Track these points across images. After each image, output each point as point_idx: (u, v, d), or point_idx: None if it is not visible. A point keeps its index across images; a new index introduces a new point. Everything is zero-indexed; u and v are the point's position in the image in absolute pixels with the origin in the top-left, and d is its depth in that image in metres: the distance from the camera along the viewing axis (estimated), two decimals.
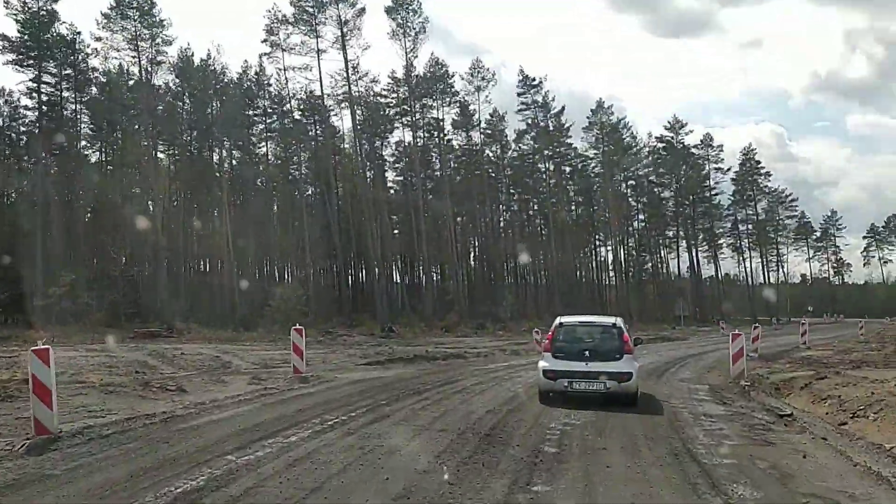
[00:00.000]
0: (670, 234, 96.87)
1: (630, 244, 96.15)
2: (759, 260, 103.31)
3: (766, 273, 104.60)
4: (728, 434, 9.89)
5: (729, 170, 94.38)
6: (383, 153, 79.77)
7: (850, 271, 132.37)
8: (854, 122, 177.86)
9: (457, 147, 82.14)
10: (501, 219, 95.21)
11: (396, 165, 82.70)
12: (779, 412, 11.83)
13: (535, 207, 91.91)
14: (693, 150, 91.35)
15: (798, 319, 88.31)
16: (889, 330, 30.55)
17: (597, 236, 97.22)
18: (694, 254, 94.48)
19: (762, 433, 10.10)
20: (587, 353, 12.57)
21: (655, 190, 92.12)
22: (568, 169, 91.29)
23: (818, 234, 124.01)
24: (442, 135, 76.38)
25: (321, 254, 68.71)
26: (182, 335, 42.74)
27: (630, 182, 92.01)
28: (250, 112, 68.42)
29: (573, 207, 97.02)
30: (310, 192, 75.39)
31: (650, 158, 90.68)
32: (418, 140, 74.47)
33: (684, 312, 52.56)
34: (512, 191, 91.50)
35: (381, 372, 19.59)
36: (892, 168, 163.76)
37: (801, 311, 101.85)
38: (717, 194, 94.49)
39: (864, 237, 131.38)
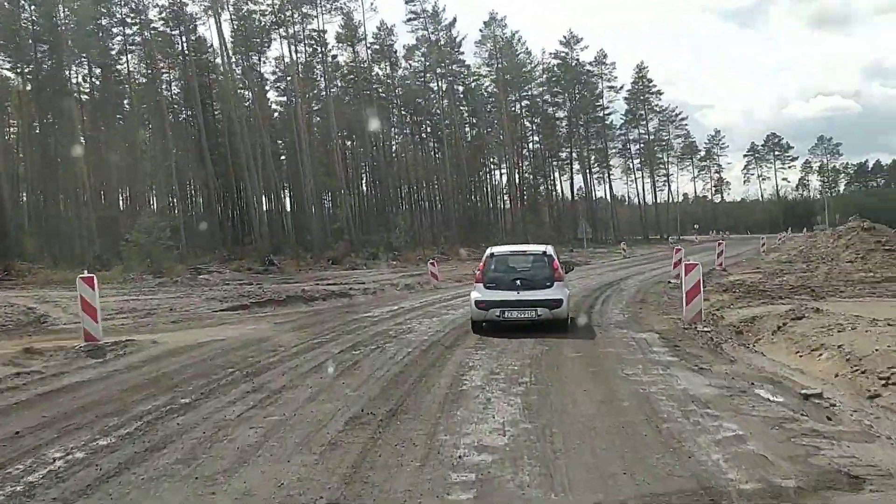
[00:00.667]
0: (563, 155, 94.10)
1: (524, 167, 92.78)
2: (648, 180, 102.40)
3: (654, 193, 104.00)
4: (764, 454, 5.53)
5: (622, 88, 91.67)
6: (261, 70, 72.17)
7: (730, 189, 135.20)
8: (733, 45, 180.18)
9: (343, 64, 75.53)
10: (394, 142, 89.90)
11: (278, 85, 75.29)
12: (800, 390, 7.68)
13: (428, 130, 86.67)
14: (588, 68, 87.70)
15: (690, 238, 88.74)
16: (814, 247, 27.66)
17: (491, 159, 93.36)
18: (587, 175, 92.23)
19: (807, 437, 5.91)
20: (518, 282, 12.54)
21: (549, 110, 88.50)
22: (461, 88, 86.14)
23: (702, 153, 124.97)
24: (325, 50, 69.44)
25: (197, 184, 61.68)
26: (21, 277, 36.12)
27: (524, 102, 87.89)
28: (104, 21, 59.25)
29: (467, 129, 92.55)
30: (184, 115, 67.58)
31: (545, 77, 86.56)
32: (299, 55, 67.31)
33: (587, 235, 49.62)
34: (403, 112, 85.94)
35: (233, 329, 14.56)
36: (766, 89, 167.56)
37: (687, 229, 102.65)
38: (609, 114, 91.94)
39: (745, 155, 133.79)
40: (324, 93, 70.81)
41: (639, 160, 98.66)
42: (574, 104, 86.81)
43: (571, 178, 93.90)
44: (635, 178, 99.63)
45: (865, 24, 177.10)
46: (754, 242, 53.93)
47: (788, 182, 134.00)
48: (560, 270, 12.82)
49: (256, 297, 22.76)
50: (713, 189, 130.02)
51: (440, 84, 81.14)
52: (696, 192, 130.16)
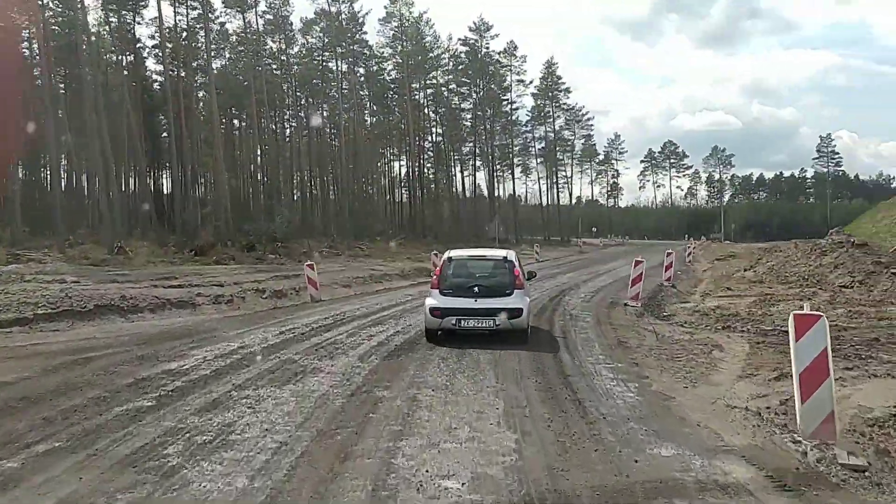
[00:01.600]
0: (466, 150, 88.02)
1: (425, 159, 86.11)
2: (547, 181, 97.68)
3: (557, 194, 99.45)
4: None
5: (531, 83, 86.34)
6: (136, 32, 62.29)
7: (622, 195, 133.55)
8: (626, 55, 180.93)
9: (232, 33, 66.57)
10: (287, 125, 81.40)
11: (157, 52, 65.38)
12: None
13: (326, 114, 78.57)
14: (497, 59, 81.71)
15: (593, 242, 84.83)
16: (787, 263, 22.07)
17: (391, 150, 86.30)
18: (492, 172, 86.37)
19: None
20: (476, 288, 11.36)
21: (454, 100, 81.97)
22: (361, 71, 78.57)
23: (601, 157, 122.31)
24: (210, 13, 60.28)
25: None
26: None
27: (429, 91, 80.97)
28: None
29: (367, 116, 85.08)
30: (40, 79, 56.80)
31: (451, 65, 79.98)
32: (180, 18, 57.98)
33: (499, 234, 43.50)
34: (299, 93, 77.64)
35: None
36: (656, 100, 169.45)
37: (584, 232, 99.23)
38: (516, 109, 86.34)
39: (642, 161, 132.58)
40: (209, 63, 61.50)
41: (541, 158, 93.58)
42: (481, 96, 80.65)
43: (474, 174, 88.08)
44: (538, 178, 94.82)
45: (748, 45, 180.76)
46: (661, 248, 49.12)
47: (682, 190, 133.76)
48: (521, 278, 11.70)
49: (50, 306, 15.03)
50: (608, 193, 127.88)
51: (339, 65, 73.34)
52: (592, 195, 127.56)
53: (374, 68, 78.05)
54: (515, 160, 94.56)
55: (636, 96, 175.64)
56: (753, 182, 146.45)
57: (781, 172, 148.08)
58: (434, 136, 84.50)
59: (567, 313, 16.18)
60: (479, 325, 11.03)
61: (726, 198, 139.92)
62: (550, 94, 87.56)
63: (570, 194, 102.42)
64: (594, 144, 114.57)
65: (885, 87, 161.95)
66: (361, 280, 25.45)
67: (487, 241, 60.01)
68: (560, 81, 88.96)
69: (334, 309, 17.01)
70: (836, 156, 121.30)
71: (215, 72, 62.78)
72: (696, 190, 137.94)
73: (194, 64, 63.52)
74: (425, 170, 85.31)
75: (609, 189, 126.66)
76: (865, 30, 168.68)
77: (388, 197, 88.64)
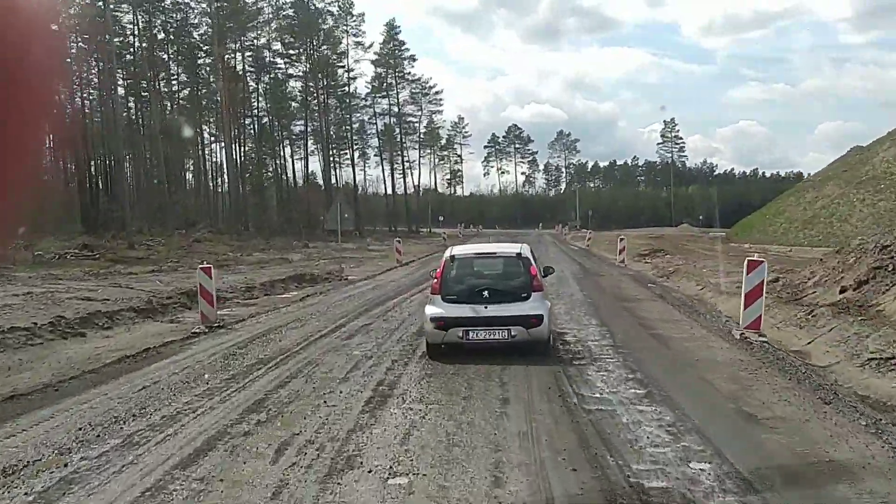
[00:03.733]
0: (298, 130, 72.45)
1: (245, 139, 69.83)
2: (391, 165, 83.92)
3: (404, 181, 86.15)
4: None
5: (370, 47, 71.96)
6: None
7: (464, 183, 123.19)
8: (456, 47, 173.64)
9: None
10: (79, 97, 61.86)
11: None
12: None
13: (123, 80, 60.38)
14: (329, 15, 66.63)
15: (440, 231, 72.76)
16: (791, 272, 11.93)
17: (207, 128, 69.01)
18: (325, 153, 71.30)
19: None
20: (486, 293, 9.05)
21: (280, 67, 66.21)
22: (162, 30, 61.15)
23: (444, 141, 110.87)
24: None
25: None
26: None
27: (248, 54, 64.72)
28: None
29: (175, 86, 67.50)
30: None
31: (275, 23, 64.03)
32: None
33: (341, 225, 29.33)
34: (83, 45, 58.67)
35: None
36: (485, 92, 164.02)
37: (432, 220, 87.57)
38: (354, 78, 71.53)
39: (486, 146, 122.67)
40: None
41: (384, 138, 79.67)
42: (312, 61, 65.37)
43: (306, 158, 72.70)
44: (380, 161, 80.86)
45: (571, 42, 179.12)
46: (532, 238, 42.35)
47: (525, 176, 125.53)
48: (539, 278, 9.28)
49: None
50: (449, 181, 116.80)
51: (137, 18, 55.70)
52: (434, 183, 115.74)
53: (177, 23, 60.87)
54: (354, 142, 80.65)
55: (468, 87, 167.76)
56: (589, 170, 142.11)
57: (615, 160, 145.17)
58: (257, 111, 68.39)
59: None
60: (491, 336, 8.74)
61: (563, 186, 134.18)
62: (393, 61, 73.56)
63: (416, 181, 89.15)
64: (439, 127, 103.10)
65: (692, 85, 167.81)
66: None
67: (322, 235, 46.02)
68: (404, 48, 75.42)
69: None
70: (680, 141, 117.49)
71: None
72: (534, 178, 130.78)
73: None
74: (250, 154, 69.35)
75: (451, 176, 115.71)
76: (675, 30, 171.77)
77: (207, 186, 71.29)
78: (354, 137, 78.87)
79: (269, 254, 34.11)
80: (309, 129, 71.25)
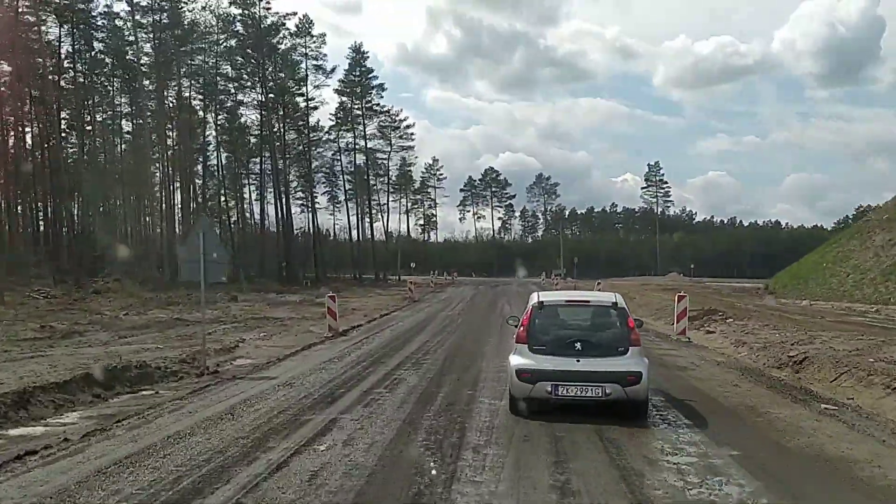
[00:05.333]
0: (255, 166, 62.78)
1: (205, 179, 60.26)
2: (359, 208, 74.11)
3: (371, 224, 76.72)
4: None
5: (333, 71, 62.74)
6: None
7: (438, 229, 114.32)
8: (432, 96, 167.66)
9: None
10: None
11: None
12: None
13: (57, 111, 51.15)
14: (285, 35, 57.44)
15: (408, 278, 62.82)
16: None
17: (160, 166, 59.00)
18: (284, 195, 61.31)
19: None
20: (578, 344, 8.02)
21: (231, 93, 56.62)
22: (100, 47, 52.17)
23: (417, 184, 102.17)
24: None
25: None
26: None
27: (197, 79, 55.40)
28: None
29: (117, 118, 58.18)
30: None
31: (225, 43, 54.85)
32: None
33: (212, 274, 21.28)
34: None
35: None
36: (459, 140, 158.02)
37: (402, 269, 78.31)
38: (315, 107, 61.97)
39: (462, 190, 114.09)
40: None
41: (349, 178, 70.17)
42: (268, 87, 56.17)
43: (262, 198, 62.70)
44: (345, 203, 71.19)
45: (545, 92, 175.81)
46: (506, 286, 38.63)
47: (502, 222, 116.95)
48: (637, 330, 8.21)
49: None
50: (423, 227, 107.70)
51: (61, 29, 46.53)
52: (407, 228, 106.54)
53: (119, 44, 51.77)
54: (320, 181, 71.41)
55: (442, 135, 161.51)
56: (566, 216, 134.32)
57: (592, 207, 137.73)
58: (212, 146, 58.76)
59: None
60: (583, 394, 7.71)
61: (539, 232, 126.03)
62: (359, 90, 64.38)
63: (386, 225, 79.20)
64: (411, 165, 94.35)
65: (663, 136, 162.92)
66: None
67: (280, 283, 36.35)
68: (371, 76, 66.50)
69: None
70: (665, 185, 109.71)
71: None
72: (511, 224, 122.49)
73: None
74: (207, 193, 59.77)
75: (424, 221, 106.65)
76: (646, 82, 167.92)
77: (160, 233, 60.51)
78: (319, 175, 69.71)
79: (174, 311, 24.49)
80: (266, 167, 61.74)
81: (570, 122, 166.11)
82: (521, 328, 8.33)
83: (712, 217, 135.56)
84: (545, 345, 8.10)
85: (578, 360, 7.78)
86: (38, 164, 49.68)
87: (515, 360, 8.07)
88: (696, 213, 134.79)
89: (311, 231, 64.86)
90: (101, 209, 52.86)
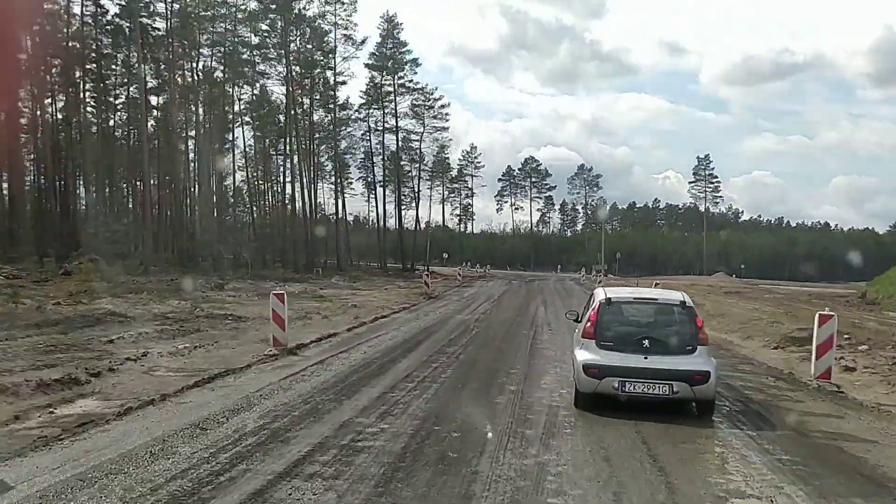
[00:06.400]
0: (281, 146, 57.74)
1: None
2: (394, 192, 68.54)
3: (399, 212, 71.31)
4: None
5: (364, 42, 56.63)
6: None
7: (474, 219, 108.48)
8: (475, 87, 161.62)
9: None
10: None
11: None
12: None
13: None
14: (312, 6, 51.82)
15: (441, 268, 57.58)
16: None
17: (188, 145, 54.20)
18: (301, 175, 56.11)
19: None
20: (646, 342, 7.79)
21: (256, 63, 51.41)
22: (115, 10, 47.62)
23: (455, 172, 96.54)
24: None
25: None
26: None
27: (218, 48, 50.51)
28: None
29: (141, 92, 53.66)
30: None
31: (245, 4, 49.27)
32: None
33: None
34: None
35: None
36: (501, 133, 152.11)
37: (435, 258, 73.03)
38: (343, 82, 56.22)
39: (500, 179, 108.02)
40: None
41: (384, 165, 64.51)
42: (293, 59, 50.79)
43: (288, 180, 57.70)
44: (374, 185, 65.68)
45: (588, 86, 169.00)
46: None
47: (541, 213, 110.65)
48: (704, 329, 8.08)
49: None
50: (460, 216, 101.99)
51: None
52: (443, 218, 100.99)
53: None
54: (350, 166, 66.27)
55: (485, 128, 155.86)
56: (607, 211, 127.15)
57: (634, 202, 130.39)
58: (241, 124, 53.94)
59: None
60: (650, 391, 7.51)
61: (579, 227, 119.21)
62: (390, 63, 58.38)
63: (417, 213, 73.28)
64: (445, 149, 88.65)
65: (707, 133, 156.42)
66: None
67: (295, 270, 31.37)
68: (405, 49, 60.10)
69: None
70: (715, 180, 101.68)
71: None
72: (549, 217, 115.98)
73: None
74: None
75: (461, 212, 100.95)
76: (693, 79, 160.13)
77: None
78: (347, 157, 64.51)
79: (130, 301, 19.43)
80: (291, 147, 56.62)
81: (613, 118, 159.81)
82: (589, 324, 8.12)
83: (759, 216, 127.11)
84: (612, 341, 7.90)
85: (646, 357, 7.60)
86: (56, 138, 45.54)
87: (583, 356, 7.90)
88: (742, 211, 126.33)
89: (335, 216, 59.73)
90: (106, 189, 48.35)
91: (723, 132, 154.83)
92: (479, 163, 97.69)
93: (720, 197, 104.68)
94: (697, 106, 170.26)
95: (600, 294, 8.40)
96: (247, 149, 57.00)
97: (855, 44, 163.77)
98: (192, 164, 50.67)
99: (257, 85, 54.80)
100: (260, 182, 61.27)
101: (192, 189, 50.98)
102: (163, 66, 49.62)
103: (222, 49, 50.63)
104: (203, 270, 31.13)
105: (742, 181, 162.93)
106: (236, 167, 56.97)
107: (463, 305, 22.98)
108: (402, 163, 70.03)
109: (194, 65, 50.99)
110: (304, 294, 27.37)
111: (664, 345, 7.74)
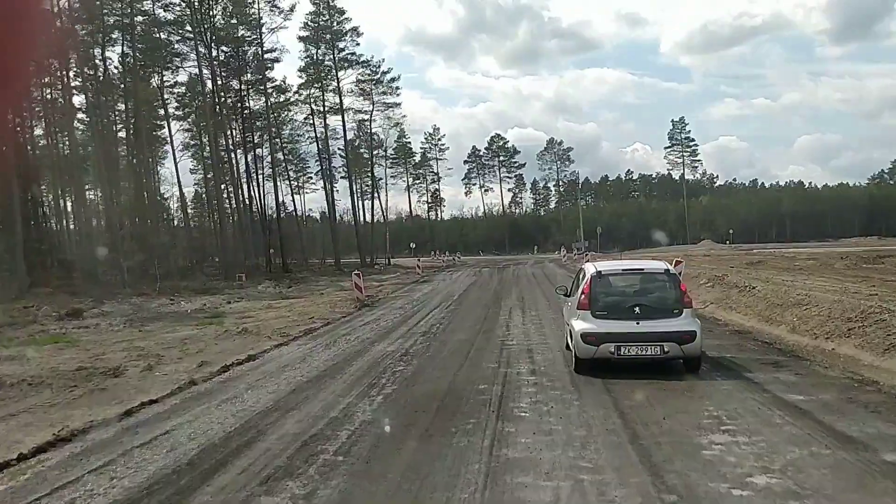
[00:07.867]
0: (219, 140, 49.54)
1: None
2: (353, 184, 60.66)
3: (371, 204, 63.57)
4: None
5: (294, 9, 47.55)
6: None
7: (445, 206, 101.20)
8: (437, 75, 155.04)
9: None
10: None
11: None
12: None
13: None
14: None
15: (408, 263, 49.54)
16: None
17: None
18: (248, 171, 48.44)
19: None
20: (637, 308, 8.47)
21: (173, 46, 43.37)
22: None
23: (418, 157, 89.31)
24: None
25: None
26: None
27: (129, 32, 42.28)
28: None
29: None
30: None
31: None
32: None
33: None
34: None
35: None
36: (468, 118, 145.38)
37: (402, 250, 66.07)
38: (276, 59, 48.19)
39: (466, 161, 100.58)
40: None
41: (321, 147, 56.41)
42: (203, 29, 42.48)
43: (216, 180, 49.68)
44: (324, 176, 57.82)
45: (550, 65, 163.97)
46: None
47: (513, 195, 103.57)
48: (688, 294, 8.87)
49: None
50: (429, 203, 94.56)
51: None
52: (410, 206, 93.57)
53: None
54: (300, 157, 58.61)
55: (450, 113, 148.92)
56: (580, 186, 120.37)
57: (607, 175, 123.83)
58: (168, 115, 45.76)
59: None
60: (644, 353, 8.23)
61: (552, 204, 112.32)
62: (328, 35, 50.24)
63: (378, 203, 65.55)
64: (409, 142, 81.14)
65: (671, 103, 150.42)
66: None
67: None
68: (344, 18, 51.28)
69: None
70: (692, 143, 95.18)
71: None
72: (521, 198, 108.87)
73: None
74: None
75: (430, 199, 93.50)
76: (653, 50, 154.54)
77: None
78: (299, 148, 56.76)
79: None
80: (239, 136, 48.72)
81: (577, 95, 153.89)
82: (583, 296, 8.64)
83: (734, 180, 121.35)
84: (606, 310, 8.46)
85: (638, 323, 8.19)
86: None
87: (580, 325, 8.43)
88: (717, 176, 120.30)
89: (277, 211, 52.00)
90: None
91: (687, 101, 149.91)
92: (443, 145, 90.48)
93: (699, 160, 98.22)
94: (661, 76, 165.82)
95: (590, 268, 9.10)
96: (175, 144, 49.11)
97: (812, 1, 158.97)
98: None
99: (180, 72, 46.96)
100: (196, 184, 53.67)
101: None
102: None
103: (131, 33, 42.47)
104: (77, 291, 23.48)
105: (710, 147, 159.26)
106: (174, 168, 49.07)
107: (402, 318, 15.68)
108: (360, 150, 62.56)
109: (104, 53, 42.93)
110: (198, 312, 19.94)
111: (653, 310, 8.36)
